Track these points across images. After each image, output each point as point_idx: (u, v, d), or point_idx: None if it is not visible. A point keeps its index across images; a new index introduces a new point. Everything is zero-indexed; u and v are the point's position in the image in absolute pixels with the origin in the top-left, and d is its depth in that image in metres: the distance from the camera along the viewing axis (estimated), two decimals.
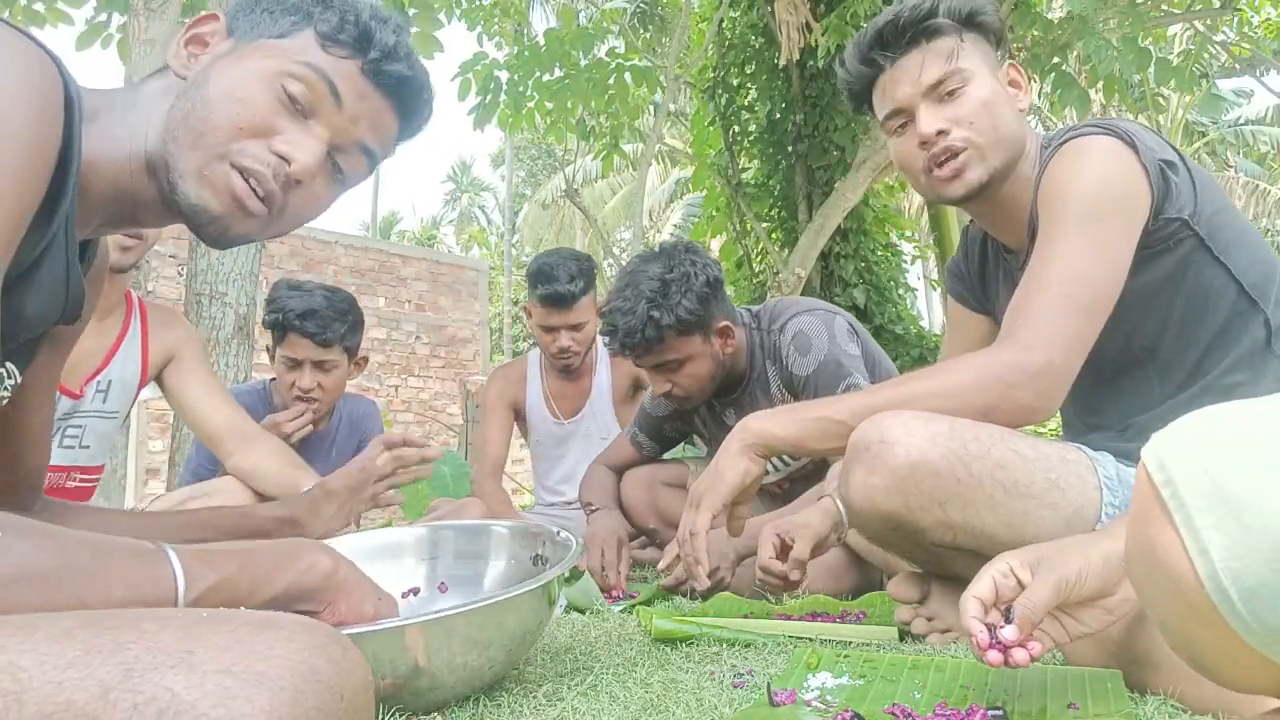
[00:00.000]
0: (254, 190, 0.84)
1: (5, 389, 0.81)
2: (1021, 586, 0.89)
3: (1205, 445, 0.52)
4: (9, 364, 0.80)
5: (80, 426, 1.80)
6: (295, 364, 2.24)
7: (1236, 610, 0.49)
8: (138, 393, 1.92)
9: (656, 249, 2.04)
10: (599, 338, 2.35)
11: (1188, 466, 0.52)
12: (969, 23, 1.32)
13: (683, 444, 2.49)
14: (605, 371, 2.83)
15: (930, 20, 1.30)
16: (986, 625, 0.86)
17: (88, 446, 1.84)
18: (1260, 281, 1.26)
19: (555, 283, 2.50)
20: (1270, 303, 1.26)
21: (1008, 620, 0.86)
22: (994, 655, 0.84)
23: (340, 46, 0.88)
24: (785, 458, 2.07)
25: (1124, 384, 1.32)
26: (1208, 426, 0.53)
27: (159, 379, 1.96)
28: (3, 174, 0.66)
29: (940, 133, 1.29)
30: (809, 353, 1.93)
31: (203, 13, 0.91)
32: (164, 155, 0.83)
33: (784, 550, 1.47)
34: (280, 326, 2.21)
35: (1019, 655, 0.83)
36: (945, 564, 1.27)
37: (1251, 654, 0.51)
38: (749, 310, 2.14)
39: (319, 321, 2.21)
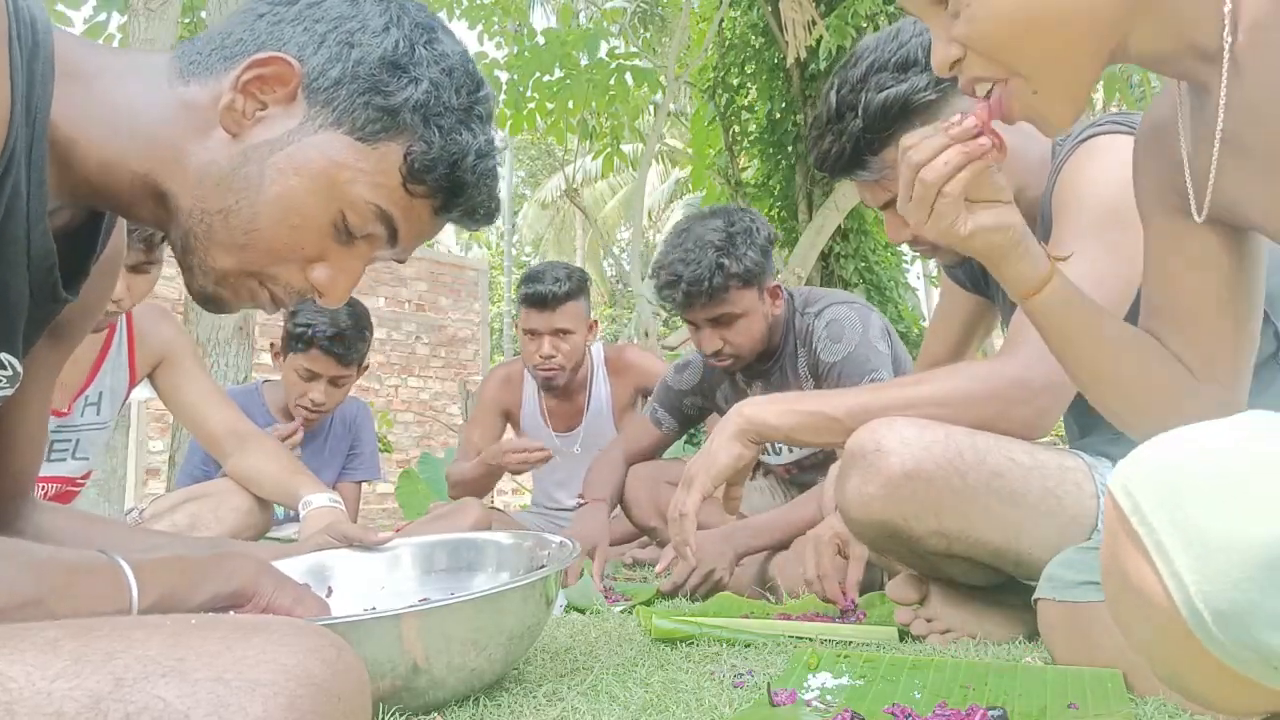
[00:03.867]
0: (274, 304, 0.81)
1: (3, 382, 0.77)
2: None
3: (1168, 469, 0.52)
4: (4, 354, 0.75)
5: (70, 440, 1.78)
6: (312, 376, 2.24)
7: (1211, 634, 0.49)
8: (127, 396, 1.91)
9: (708, 209, 2.06)
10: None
11: (1153, 492, 0.52)
12: (904, 114, 1.23)
13: (683, 441, 2.48)
14: (603, 386, 2.75)
15: (850, 170, 1.30)
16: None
17: (85, 458, 1.83)
18: (1273, 292, 1.23)
19: (539, 283, 2.44)
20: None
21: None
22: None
23: (423, 186, 0.78)
24: None
25: None
26: (1169, 450, 0.53)
27: (151, 379, 1.94)
28: None
29: (910, 239, 1.32)
30: (840, 341, 1.95)
31: (271, 53, 0.75)
32: (189, 221, 0.76)
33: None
34: (306, 341, 2.20)
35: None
36: (941, 570, 1.27)
37: (1234, 676, 0.51)
38: (786, 290, 2.13)
39: (346, 344, 2.21)
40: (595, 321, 2.64)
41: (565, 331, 2.46)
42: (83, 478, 1.90)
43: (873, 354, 1.91)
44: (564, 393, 2.71)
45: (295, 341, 2.22)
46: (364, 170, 0.76)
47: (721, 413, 2.26)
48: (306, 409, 2.26)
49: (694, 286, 1.91)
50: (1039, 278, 0.90)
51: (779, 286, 2.03)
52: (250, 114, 0.75)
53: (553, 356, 2.45)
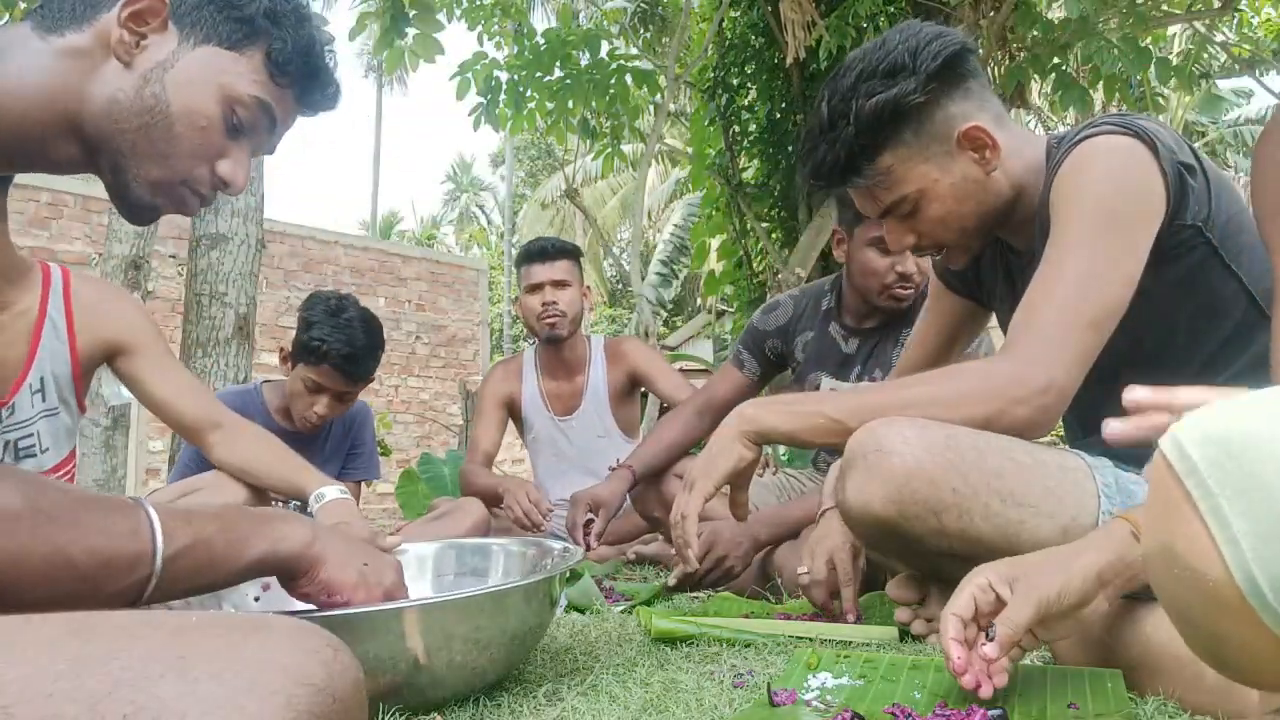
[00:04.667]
0: (198, 201, 0.92)
1: None
2: (1001, 602, 0.91)
3: (1230, 432, 0.50)
4: None
5: (30, 433, 1.68)
6: (319, 389, 2.22)
7: (1266, 601, 0.48)
8: (78, 382, 1.75)
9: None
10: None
11: (1212, 454, 0.50)
12: (895, 119, 1.23)
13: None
14: (600, 369, 2.84)
15: (845, 178, 1.29)
16: (965, 643, 0.88)
17: (47, 449, 1.72)
18: (1270, 289, 1.24)
19: (536, 243, 2.77)
20: None
21: (988, 638, 0.87)
22: (969, 680, 0.87)
23: (287, 77, 0.93)
24: None
25: (1127, 383, 1.31)
26: (1231, 413, 0.51)
27: (114, 370, 1.81)
28: None
29: (913, 244, 1.33)
30: None
31: None
32: (114, 147, 0.85)
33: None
34: (319, 356, 2.16)
35: (986, 690, 0.86)
36: (942, 570, 1.26)
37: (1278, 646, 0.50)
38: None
39: (359, 363, 2.19)
40: (589, 288, 2.86)
41: (563, 283, 2.69)
42: (64, 463, 1.82)
43: None
44: (564, 373, 2.82)
45: (308, 355, 2.18)
46: (241, 72, 0.90)
47: (797, 365, 2.20)
48: (310, 420, 2.26)
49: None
50: None
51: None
52: (135, 44, 0.86)
53: (554, 303, 2.67)
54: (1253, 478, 0.48)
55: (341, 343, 2.15)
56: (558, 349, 2.79)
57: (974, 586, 0.92)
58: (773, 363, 2.26)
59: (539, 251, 2.73)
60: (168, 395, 1.80)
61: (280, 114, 0.94)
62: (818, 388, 2.12)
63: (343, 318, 2.19)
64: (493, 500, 2.43)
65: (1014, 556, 0.97)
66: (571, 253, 2.77)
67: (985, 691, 0.86)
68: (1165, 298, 1.23)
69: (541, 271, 2.69)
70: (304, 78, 0.95)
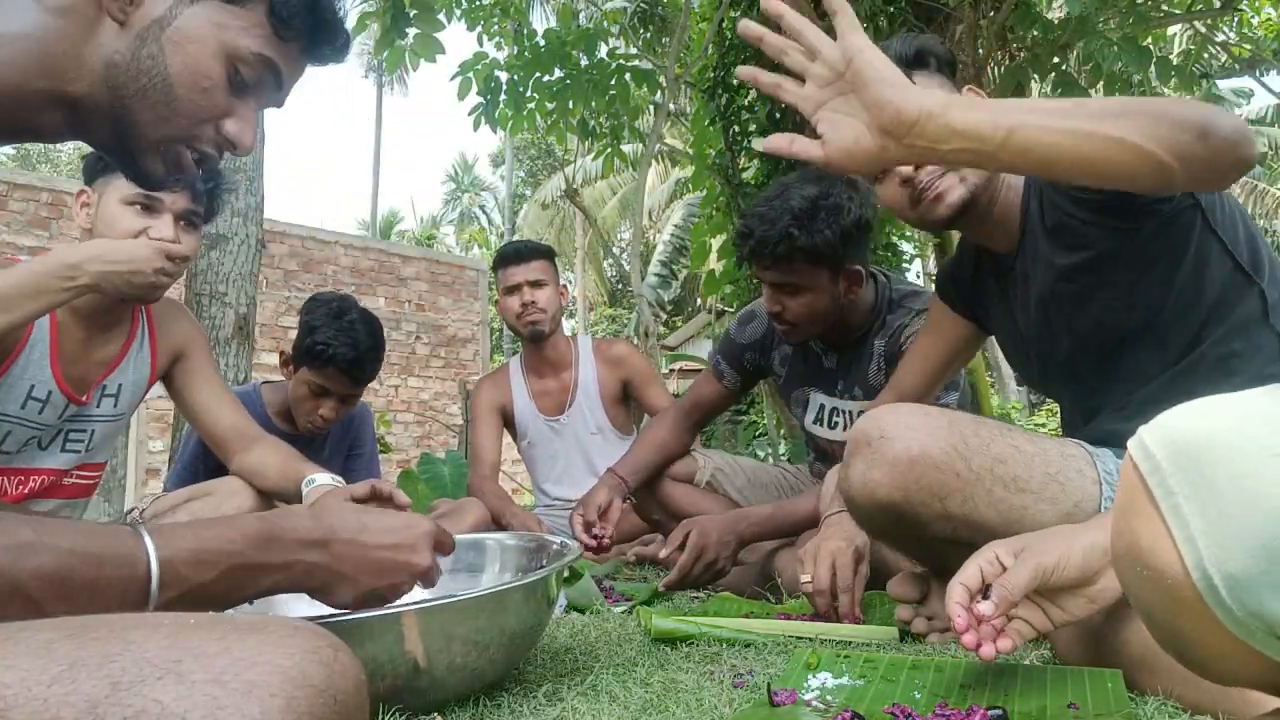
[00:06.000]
0: (201, 164, 0.88)
1: None
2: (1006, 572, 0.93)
3: (1193, 434, 0.52)
4: None
5: (86, 430, 1.78)
6: (323, 393, 2.22)
7: (1221, 599, 0.49)
8: (146, 391, 1.89)
9: (813, 172, 1.93)
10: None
11: (1174, 454, 0.52)
12: (917, 63, 1.37)
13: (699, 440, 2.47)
14: (590, 368, 2.88)
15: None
16: (968, 609, 0.90)
17: (94, 448, 1.82)
18: (1252, 258, 1.28)
19: (510, 246, 2.86)
20: (1264, 278, 1.27)
21: (985, 597, 0.89)
22: (969, 638, 0.88)
23: (291, 30, 0.88)
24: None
25: (1125, 357, 1.33)
26: (1195, 416, 0.53)
27: (164, 377, 1.92)
28: None
29: (917, 168, 1.35)
30: None
31: None
32: (111, 110, 0.82)
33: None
34: (324, 360, 2.16)
35: (987, 650, 0.88)
36: (945, 559, 1.26)
37: (1236, 645, 0.51)
38: (886, 274, 2.06)
39: (363, 366, 2.20)
40: (565, 287, 2.94)
41: (539, 282, 2.76)
42: (99, 465, 1.87)
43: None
44: (550, 371, 2.88)
45: (313, 359, 2.18)
46: (243, 27, 0.85)
47: (777, 376, 2.23)
48: (316, 424, 2.26)
49: (760, 247, 1.85)
50: None
51: (858, 272, 1.91)
52: (129, 0, 0.82)
53: (533, 302, 2.74)
54: (1209, 480, 0.50)
55: (347, 346, 2.15)
56: (541, 347, 2.84)
57: (982, 559, 0.94)
58: (751, 374, 2.28)
59: (513, 254, 2.80)
60: (207, 404, 1.89)
61: (286, 70, 0.90)
62: (806, 403, 2.15)
63: (345, 320, 2.19)
64: (494, 523, 2.45)
65: (1020, 535, 0.99)
66: (545, 253, 2.85)
67: (986, 651, 0.87)
68: (1161, 259, 1.25)
69: (518, 273, 2.76)
70: (310, 30, 0.90)
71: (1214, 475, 0.50)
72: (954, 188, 1.34)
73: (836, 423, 2.09)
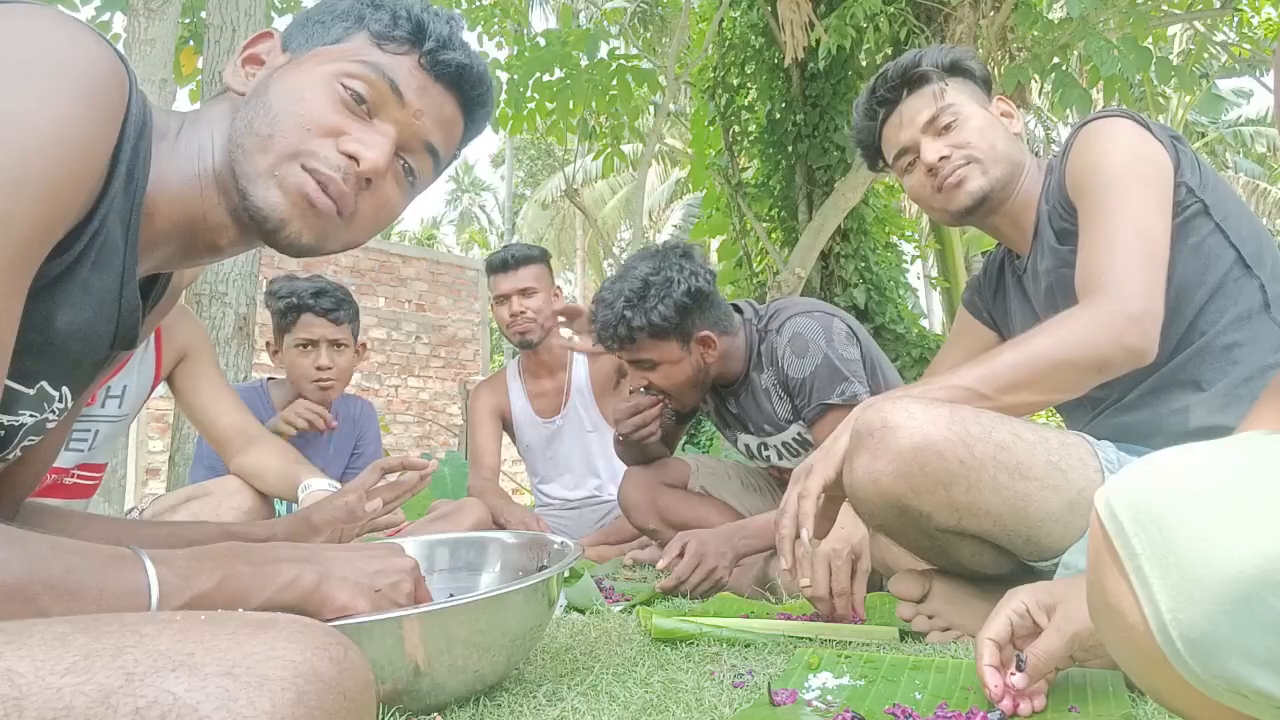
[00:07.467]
0: (324, 188, 0.83)
1: (53, 412, 0.79)
2: (1037, 627, 0.91)
3: (1152, 493, 0.52)
4: (65, 388, 0.78)
5: (90, 430, 1.78)
6: (311, 345, 2.27)
7: (1184, 660, 0.49)
8: (150, 392, 1.91)
9: (655, 249, 2.05)
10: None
11: (1136, 516, 0.52)
12: (953, 70, 1.48)
13: (684, 443, 2.48)
14: (582, 368, 2.89)
15: (915, 69, 1.48)
16: (1000, 673, 0.90)
17: (96, 449, 1.83)
18: (1255, 252, 1.32)
19: (500, 254, 2.81)
20: (1265, 272, 1.30)
21: (1019, 667, 0.89)
22: (1007, 705, 0.88)
23: (395, 43, 0.88)
24: (799, 446, 2.06)
25: None
26: (1155, 474, 0.53)
27: (167, 377, 1.94)
28: (45, 164, 0.63)
29: (943, 159, 1.43)
30: (805, 355, 1.91)
31: (258, 31, 0.91)
32: (231, 165, 0.81)
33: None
34: (294, 309, 2.25)
35: (1023, 708, 0.88)
36: (949, 552, 1.26)
37: (1206, 699, 0.51)
38: (752, 305, 2.13)
39: (332, 299, 2.28)
40: (560, 289, 2.90)
41: (528, 290, 2.73)
42: (100, 465, 1.88)
43: (841, 362, 1.88)
44: (546, 373, 2.88)
45: (284, 316, 2.26)
46: (344, 51, 0.87)
47: (706, 417, 2.30)
48: (318, 383, 2.28)
49: (603, 331, 1.95)
50: None
51: (709, 336, 1.97)
52: (250, 76, 0.87)
53: (522, 312, 2.72)
54: (1168, 544, 0.50)
55: (306, 286, 2.26)
56: (536, 351, 2.85)
57: (1010, 610, 0.93)
58: (683, 415, 2.30)
59: (500, 263, 2.77)
60: (208, 405, 1.92)
61: (404, 82, 0.87)
62: (736, 443, 2.23)
63: (300, 278, 2.32)
64: (494, 523, 2.45)
65: (1049, 582, 0.97)
66: (536, 258, 2.80)
67: (1024, 709, 0.89)
68: (1170, 257, 1.27)
69: (506, 283, 2.74)
70: (416, 39, 0.88)
71: (1174, 537, 0.50)
72: (974, 177, 1.43)
73: (768, 455, 2.16)
